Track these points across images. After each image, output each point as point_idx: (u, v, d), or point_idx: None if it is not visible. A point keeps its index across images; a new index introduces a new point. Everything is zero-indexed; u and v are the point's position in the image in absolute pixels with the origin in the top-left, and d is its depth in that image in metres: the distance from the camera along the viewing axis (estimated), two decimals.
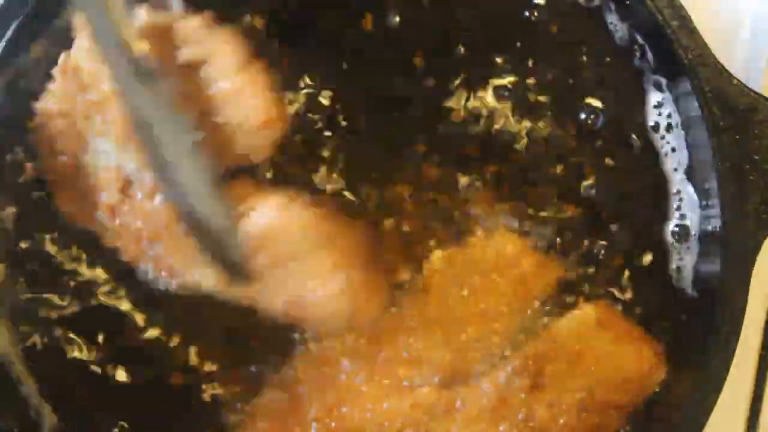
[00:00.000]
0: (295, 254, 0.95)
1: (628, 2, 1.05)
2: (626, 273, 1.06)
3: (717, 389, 0.99)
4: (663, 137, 1.06)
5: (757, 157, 1.01)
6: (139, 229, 0.98)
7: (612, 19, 1.07)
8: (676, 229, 1.06)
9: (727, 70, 1.01)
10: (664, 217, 1.06)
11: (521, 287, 1.04)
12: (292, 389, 1.03)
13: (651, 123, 1.07)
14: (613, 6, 1.07)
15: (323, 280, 0.95)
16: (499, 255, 1.04)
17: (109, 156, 0.98)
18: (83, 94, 0.98)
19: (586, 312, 1.04)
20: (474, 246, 1.05)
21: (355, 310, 0.98)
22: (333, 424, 1.01)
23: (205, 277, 0.98)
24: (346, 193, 1.05)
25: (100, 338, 1.05)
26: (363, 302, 0.98)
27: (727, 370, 0.99)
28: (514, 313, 1.04)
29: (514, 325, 1.04)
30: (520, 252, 1.04)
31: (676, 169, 1.06)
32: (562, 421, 1.01)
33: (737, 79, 1.01)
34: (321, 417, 1.02)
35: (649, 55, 1.06)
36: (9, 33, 1.02)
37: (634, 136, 1.07)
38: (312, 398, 1.02)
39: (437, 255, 1.05)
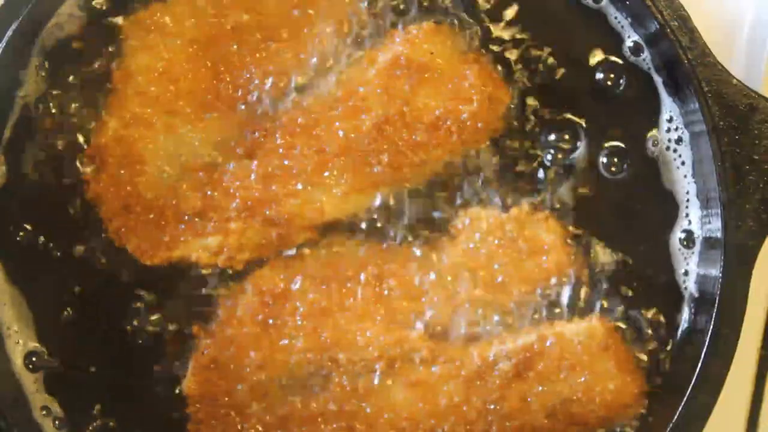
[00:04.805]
0: None
1: (628, 3, 1.05)
2: (637, 281, 1.07)
3: (717, 389, 0.99)
4: (675, 150, 1.06)
5: (757, 157, 1.01)
6: None
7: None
8: (683, 235, 1.06)
9: (727, 70, 1.01)
10: (673, 225, 1.07)
11: (542, 273, 1.04)
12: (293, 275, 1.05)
13: (665, 137, 1.07)
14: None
15: None
16: (533, 234, 1.05)
17: None
18: None
19: (595, 327, 1.04)
20: (514, 216, 1.05)
21: None
22: (317, 327, 1.03)
23: None
24: None
25: None
26: None
27: (727, 370, 0.99)
28: (525, 295, 1.04)
29: (521, 306, 1.04)
30: (555, 240, 1.05)
31: (685, 176, 1.06)
32: (527, 417, 1.02)
33: (737, 79, 1.01)
34: (307, 314, 1.03)
35: (647, 54, 1.07)
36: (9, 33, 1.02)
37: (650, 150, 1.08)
38: (307, 292, 1.04)
39: (476, 210, 1.06)
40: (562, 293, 1.05)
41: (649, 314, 1.06)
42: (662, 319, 1.06)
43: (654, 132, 1.07)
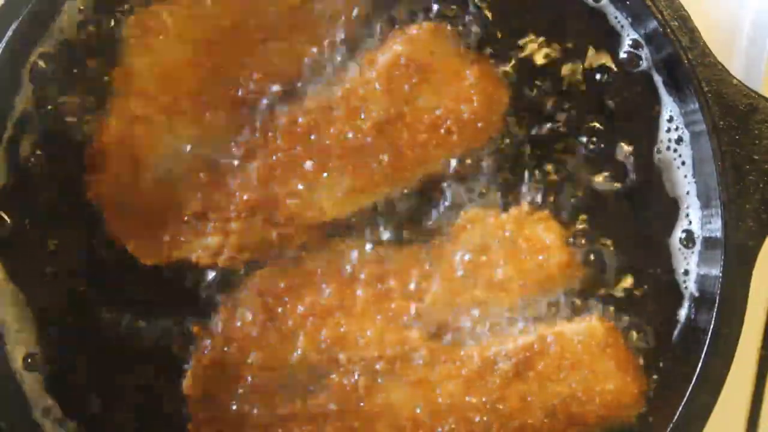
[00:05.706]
0: None
1: (628, 2, 1.05)
2: (637, 281, 1.07)
3: (717, 389, 0.99)
4: (675, 150, 1.06)
5: (757, 157, 1.01)
6: None
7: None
8: (683, 235, 1.06)
9: (727, 70, 1.01)
10: (674, 225, 1.07)
11: (541, 273, 1.04)
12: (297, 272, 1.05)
13: (665, 137, 1.07)
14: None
15: None
16: (533, 234, 1.05)
17: None
18: None
19: (595, 327, 1.04)
20: (513, 216, 1.05)
21: None
22: (317, 327, 1.03)
23: None
24: None
25: None
26: None
27: (727, 370, 0.99)
28: (525, 295, 1.04)
29: (521, 306, 1.04)
30: (555, 240, 1.05)
31: (685, 176, 1.06)
32: (527, 417, 1.02)
33: (737, 79, 1.01)
34: (308, 314, 1.04)
35: (648, 54, 1.07)
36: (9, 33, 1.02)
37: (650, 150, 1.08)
38: (307, 292, 1.04)
39: (476, 210, 1.05)
40: (562, 293, 1.05)
41: (649, 313, 1.06)
42: (662, 318, 1.06)
43: (654, 132, 1.07)
